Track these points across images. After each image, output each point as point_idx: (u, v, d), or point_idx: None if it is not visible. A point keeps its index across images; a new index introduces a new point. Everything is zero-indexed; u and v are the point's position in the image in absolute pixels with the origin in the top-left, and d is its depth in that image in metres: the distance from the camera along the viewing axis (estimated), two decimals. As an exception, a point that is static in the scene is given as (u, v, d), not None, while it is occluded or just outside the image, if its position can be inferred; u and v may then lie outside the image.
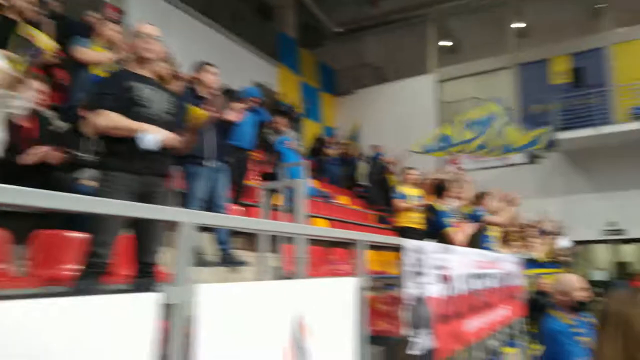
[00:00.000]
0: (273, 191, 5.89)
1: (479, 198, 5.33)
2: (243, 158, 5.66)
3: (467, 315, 4.07)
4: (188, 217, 1.32)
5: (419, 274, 3.25)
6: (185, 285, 1.28)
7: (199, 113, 3.29)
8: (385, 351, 4.06)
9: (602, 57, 14.37)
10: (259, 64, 13.31)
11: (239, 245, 5.01)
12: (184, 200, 4.02)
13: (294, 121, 9.66)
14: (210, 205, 4.04)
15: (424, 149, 7.72)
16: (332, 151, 10.55)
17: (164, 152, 2.67)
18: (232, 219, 1.41)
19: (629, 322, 0.89)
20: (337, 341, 2.21)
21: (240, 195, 5.48)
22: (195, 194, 3.98)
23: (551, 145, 8.20)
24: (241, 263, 3.96)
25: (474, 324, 4.22)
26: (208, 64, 4.25)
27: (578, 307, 3.01)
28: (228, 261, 3.95)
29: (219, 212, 3.96)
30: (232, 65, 11.34)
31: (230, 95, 5.43)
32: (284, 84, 13.49)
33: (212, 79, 4.18)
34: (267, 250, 3.62)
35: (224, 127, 4.24)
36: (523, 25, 16.01)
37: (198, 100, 3.96)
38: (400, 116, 14.23)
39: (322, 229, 2.96)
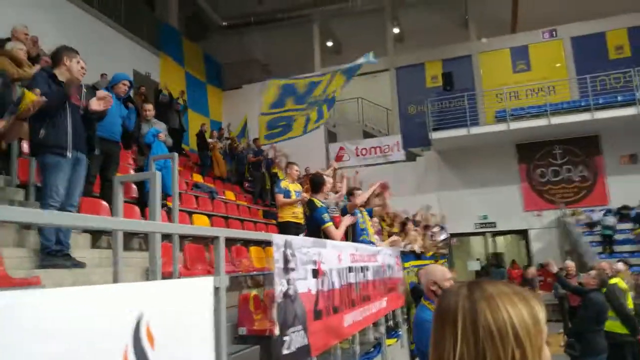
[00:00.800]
0: (141, 184, 5.45)
1: (350, 193, 5.42)
2: (113, 150, 5.16)
3: (344, 309, 4.05)
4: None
5: (289, 269, 3.13)
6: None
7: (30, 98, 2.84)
8: (261, 350, 3.92)
9: (470, 64, 15.76)
10: (140, 53, 12.47)
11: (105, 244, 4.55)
12: (42, 194, 3.56)
13: (177, 113, 9.12)
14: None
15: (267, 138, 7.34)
16: (218, 145, 10.20)
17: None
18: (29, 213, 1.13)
19: (477, 316, 0.82)
20: (190, 346, 1.99)
21: (108, 189, 4.96)
22: (55, 188, 3.53)
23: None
24: (78, 265, 3.56)
25: (351, 318, 4.23)
26: (76, 51, 3.83)
27: (446, 297, 3.09)
28: (66, 262, 3.52)
29: (69, 210, 3.51)
30: (110, 52, 10.52)
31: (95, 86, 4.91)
32: (166, 74, 12.78)
33: (77, 68, 3.76)
34: (127, 248, 3.25)
35: (87, 117, 3.85)
36: (399, 30, 16.98)
37: (57, 86, 3.64)
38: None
39: (178, 226, 2.69)
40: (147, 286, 1.84)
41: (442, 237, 11.15)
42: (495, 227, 14.60)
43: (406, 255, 7.31)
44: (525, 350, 0.80)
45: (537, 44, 15.37)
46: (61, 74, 3.72)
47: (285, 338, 2.87)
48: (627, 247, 11.74)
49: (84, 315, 1.27)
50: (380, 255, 5.48)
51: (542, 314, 0.84)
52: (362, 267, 4.75)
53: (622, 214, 12.41)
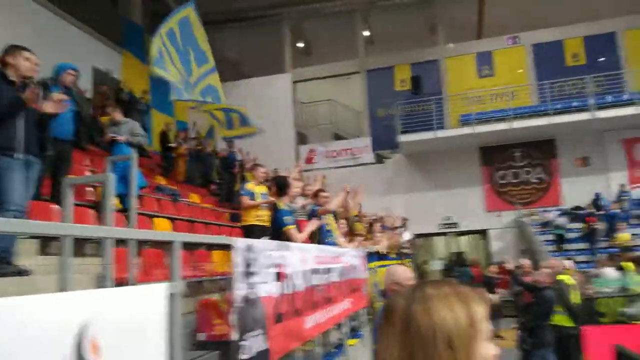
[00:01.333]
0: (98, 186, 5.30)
1: (315, 195, 5.43)
2: (64, 151, 4.96)
3: (306, 312, 4.06)
4: None
5: (250, 273, 3.12)
6: None
7: None
8: (221, 356, 3.88)
9: (437, 69, 16.06)
10: (101, 50, 12.11)
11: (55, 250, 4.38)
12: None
13: (139, 112, 8.90)
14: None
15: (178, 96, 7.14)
16: (184, 147, 10.00)
17: None
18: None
19: (411, 318, 0.84)
20: (142, 354, 1.95)
21: (59, 192, 4.78)
22: (12, 192, 3.37)
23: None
24: (23, 272, 3.42)
25: (313, 320, 4.24)
26: (23, 48, 3.67)
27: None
28: (7, 270, 3.37)
29: (16, 215, 3.37)
30: (68, 50, 10.16)
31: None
32: (129, 72, 12.44)
33: (27, 65, 3.61)
34: (81, 254, 3.16)
35: (40, 119, 3.72)
36: (370, 33, 17.12)
37: (8, 85, 3.47)
38: (257, 114, 14.09)
39: (129, 230, 2.64)
40: (94, 294, 1.80)
41: (407, 237, 11.33)
42: (457, 227, 14.95)
43: (371, 256, 7.39)
44: (456, 352, 0.81)
45: (500, 50, 15.80)
46: (11, 74, 3.56)
47: (244, 343, 2.86)
48: (576, 245, 12.21)
49: (18, 327, 1.22)
50: (345, 257, 5.52)
51: (481, 315, 0.85)
52: (326, 269, 4.77)
53: (574, 214, 12.92)
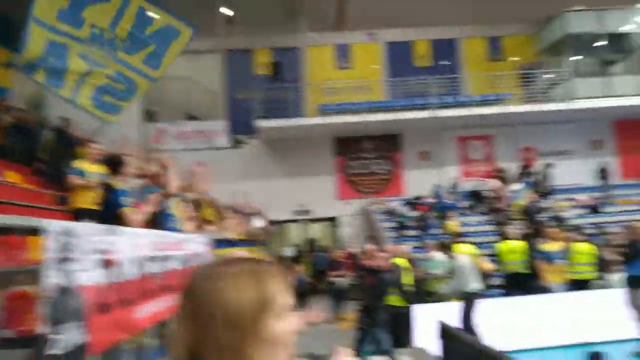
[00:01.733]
0: None
1: (154, 176, 5.07)
2: None
3: (138, 301, 3.77)
4: None
5: (67, 260, 2.78)
6: None
7: None
8: (32, 353, 3.41)
9: (298, 56, 16.34)
10: None
11: None
12: None
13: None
14: None
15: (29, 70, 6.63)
16: (5, 117, 8.55)
17: None
18: None
19: (198, 298, 0.81)
20: None
21: None
22: None
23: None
24: None
25: (147, 310, 3.96)
26: None
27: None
28: None
29: None
30: None
31: None
32: None
33: None
34: None
35: None
36: (231, 12, 16.61)
37: None
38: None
39: None
40: None
41: (259, 224, 11.35)
42: (311, 214, 15.44)
43: (221, 242, 7.21)
44: (239, 332, 0.78)
45: (359, 45, 16.65)
46: None
47: (57, 336, 2.56)
48: (414, 232, 13.41)
49: None
50: (188, 243, 5.26)
51: (276, 292, 0.82)
52: (164, 256, 4.49)
53: (414, 203, 14.30)
